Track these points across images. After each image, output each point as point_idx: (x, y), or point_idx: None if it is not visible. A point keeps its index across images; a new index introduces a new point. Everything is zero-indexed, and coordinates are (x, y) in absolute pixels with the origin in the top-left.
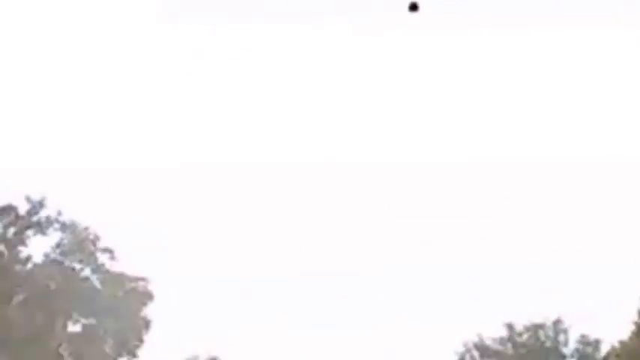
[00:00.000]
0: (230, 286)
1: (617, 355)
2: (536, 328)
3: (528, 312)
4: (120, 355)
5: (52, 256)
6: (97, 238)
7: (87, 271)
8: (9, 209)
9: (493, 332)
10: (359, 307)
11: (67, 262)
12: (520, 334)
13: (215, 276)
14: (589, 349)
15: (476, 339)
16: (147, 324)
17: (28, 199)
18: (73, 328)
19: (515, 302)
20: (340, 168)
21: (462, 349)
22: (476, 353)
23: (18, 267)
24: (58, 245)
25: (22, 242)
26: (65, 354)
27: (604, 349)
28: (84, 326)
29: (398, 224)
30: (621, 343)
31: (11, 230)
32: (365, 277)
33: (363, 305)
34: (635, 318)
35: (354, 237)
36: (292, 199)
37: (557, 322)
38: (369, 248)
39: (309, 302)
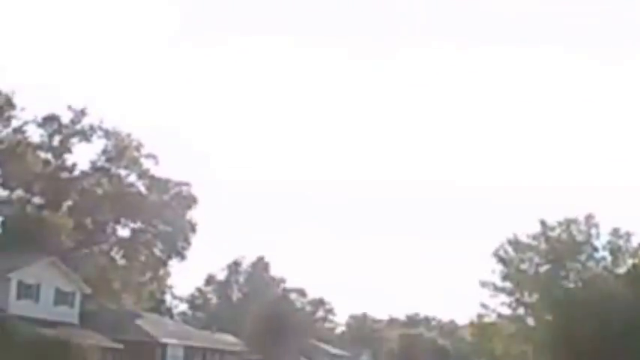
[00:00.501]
0: (274, 191)
1: None
2: (569, 223)
3: (561, 208)
4: (169, 257)
5: (98, 163)
6: (140, 144)
7: (132, 177)
8: (52, 118)
9: (527, 229)
10: (397, 215)
11: (112, 169)
12: (553, 229)
13: (259, 181)
14: (620, 242)
15: (510, 236)
16: (193, 227)
17: (70, 107)
18: (122, 232)
19: (548, 200)
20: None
21: (496, 245)
22: (510, 249)
23: (65, 174)
24: (103, 152)
25: (68, 150)
26: (117, 257)
27: (635, 240)
28: (132, 230)
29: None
30: None
31: (56, 139)
32: (400, 186)
33: (401, 211)
34: None
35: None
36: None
37: (588, 217)
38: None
39: (350, 209)
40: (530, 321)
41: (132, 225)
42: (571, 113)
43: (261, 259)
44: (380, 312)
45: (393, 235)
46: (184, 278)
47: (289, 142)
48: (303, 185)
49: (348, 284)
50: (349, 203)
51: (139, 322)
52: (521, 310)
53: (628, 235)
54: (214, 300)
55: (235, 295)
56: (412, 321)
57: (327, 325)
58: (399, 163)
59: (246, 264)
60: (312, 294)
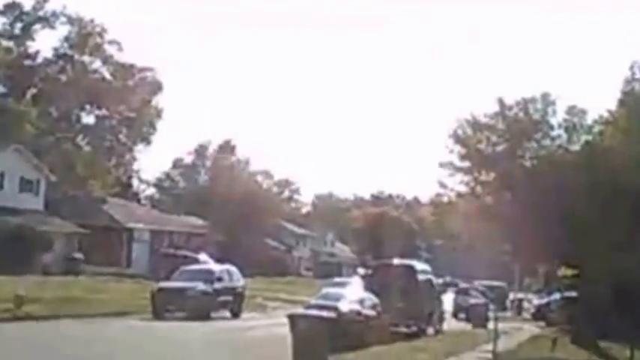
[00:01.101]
0: (239, 74)
1: (604, 123)
2: (526, 102)
3: (518, 87)
4: (134, 142)
5: (61, 50)
6: (103, 30)
7: (96, 64)
8: (13, 5)
9: (485, 108)
10: (361, 96)
11: (76, 56)
12: (510, 109)
13: (225, 64)
14: (576, 119)
15: (468, 116)
16: (159, 112)
17: None
18: (87, 119)
19: (505, 79)
20: None
21: (454, 125)
22: (468, 129)
23: (28, 62)
24: (66, 39)
25: (30, 37)
26: (82, 144)
27: (590, 118)
28: (97, 117)
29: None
30: (608, 111)
31: (18, 26)
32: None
33: (364, 92)
34: (621, 87)
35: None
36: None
37: (545, 95)
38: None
39: (314, 89)
40: (488, 199)
41: (97, 112)
42: None
43: (227, 142)
44: (346, 191)
45: (357, 115)
46: (152, 163)
47: (253, 26)
48: (266, 66)
49: (314, 164)
50: (312, 84)
51: (105, 207)
52: (479, 189)
53: (583, 112)
54: (181, 183)
55: (202, 179)
56: (378, 200)
57: (293, 205)
58: (364, 45)
59: (212, 147)
60: (279, 175)
